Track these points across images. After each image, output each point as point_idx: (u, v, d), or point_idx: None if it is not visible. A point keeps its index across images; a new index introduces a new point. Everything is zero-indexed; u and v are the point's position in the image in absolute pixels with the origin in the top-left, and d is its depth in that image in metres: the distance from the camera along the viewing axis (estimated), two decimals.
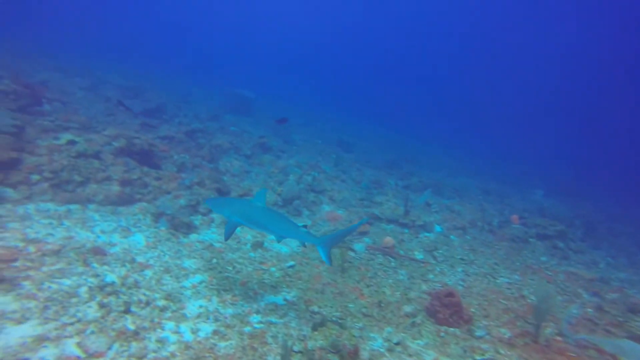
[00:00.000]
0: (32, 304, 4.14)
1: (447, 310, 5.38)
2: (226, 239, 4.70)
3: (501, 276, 7.66)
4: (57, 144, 8.17)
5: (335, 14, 76.12)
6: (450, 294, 5.50)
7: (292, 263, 6.67)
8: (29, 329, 3.81)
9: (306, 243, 4.93)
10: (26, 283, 4.44)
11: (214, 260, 6.26)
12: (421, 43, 74.88)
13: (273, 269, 6.41)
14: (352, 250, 7.66)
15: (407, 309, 5.73)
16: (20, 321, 3.88)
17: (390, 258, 7.59)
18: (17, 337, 3.67)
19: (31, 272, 4.68)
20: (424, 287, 6.65)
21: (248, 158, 12.74)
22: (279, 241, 4.78)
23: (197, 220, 7.73)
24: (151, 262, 5.77)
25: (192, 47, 50.27)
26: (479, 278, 7.42)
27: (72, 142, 8.39)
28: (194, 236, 7.14)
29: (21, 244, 5.35)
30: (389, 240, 8.03)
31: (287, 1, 76.04)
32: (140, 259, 5.77)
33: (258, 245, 7.14)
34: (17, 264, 4.80)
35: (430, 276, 7.20)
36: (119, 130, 9.66)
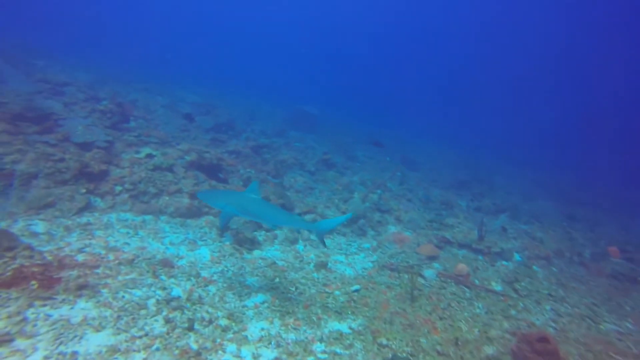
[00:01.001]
0: (108, 312, 4.24)
1: (540, 359, 4.58)
2: (223, 230, 5.07)
3: (605, 321, 6.49)
4: (138, 157, 8.75)
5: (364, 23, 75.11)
6: (543, 339, 4.68)
7: (357, 287, 6.27)
8: (104, 338, 3.87)
9: (301, 229, 5.47)
10: (105, 291, 4.59)
11: (277, 280, 6.09)
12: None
13: (337, 292, 6.05)
14: (422, 276, 7.05)
15: (489, 350, 5.01)
16: (98, 329, 3.96)
17: (464, 288, 6.84)
18: (95, 345, 3.74)
19: (109, 280, 4.84)
20: (506, 325, 5.83)
21: (312, 174, 12.67)
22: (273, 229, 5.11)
23: (261, 236, 7.68)
24: (215, 277, 5.74)
25: (258, 66, 53.02)
26: (575, 320, 6.35)
27: (150, 156, 8.93)
28: (257, 252, 7.06)
29: (103, 252, 5.63)
30: (462, 267, 7.28)
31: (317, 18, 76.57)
32: (205, 273, 5.78)
33: (322, 265, 6.85)
34: (99, 270, 5.02)
35: (512, 312, 6.33)
36: (191, 144, 10.14)
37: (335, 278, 6.57)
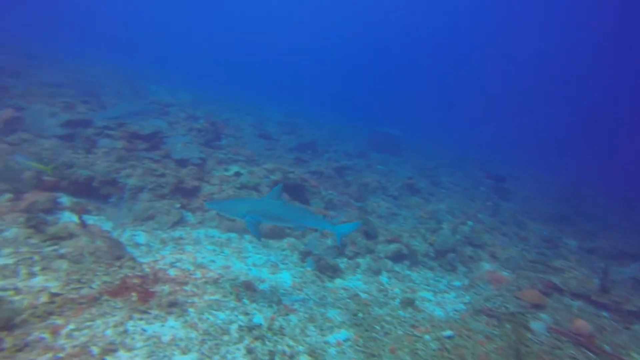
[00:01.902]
0: (193, 334, 4.20)
1: None
2: (258, 238, 4.86)
3: None
4: (227, 174, 9.10)
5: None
6: None
7: (450, 333, 5.53)
8: None
9: (324, 230, 5.27)
10: (192, 310, 4.60)
11: (360, 315, 5.64)
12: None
13: (427, 336, 5.39)
14: (528, 328, 6.00)
15: None
16: (185, 352, 3.91)
17: (587, 352, 5.64)
18: None
19: (196, 299, 4.87)
20: None
21: (395, 199, 12.09)
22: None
23: (343, 263, 7.34)
24: (296, 306, 5.49)
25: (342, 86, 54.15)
26: None
27: (238, 174, 9.23)
28: (339, 281, 6.72)
29: (192, 268, 5.77)
30: (582, 324, 6.05)
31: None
32: (286, 300, 5.57)
33: (408, 303, 6.24)
34: (187, 287, 5.10)
35: None
36: (276, 164, 10.32)
37: (424, 319, 5.91)
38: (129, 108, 10.14)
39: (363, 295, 6.32)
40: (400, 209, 11.44)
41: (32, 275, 4.34)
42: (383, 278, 7.22)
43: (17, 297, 3.93)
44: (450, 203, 12.85)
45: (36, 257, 4.66)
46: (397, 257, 7.95)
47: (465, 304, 6.72)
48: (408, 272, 7.68)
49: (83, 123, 8.85)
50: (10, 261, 4.49)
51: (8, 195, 6.15)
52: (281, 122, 19.83)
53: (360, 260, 7.59)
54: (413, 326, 5.62)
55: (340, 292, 6.30)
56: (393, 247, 8.10)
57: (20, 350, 3.31)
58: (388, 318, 5.72)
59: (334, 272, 6.86)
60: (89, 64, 20.77)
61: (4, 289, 4.00)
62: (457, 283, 7.64)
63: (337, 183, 12.08)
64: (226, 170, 9.19)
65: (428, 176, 16.82)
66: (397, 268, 7.66)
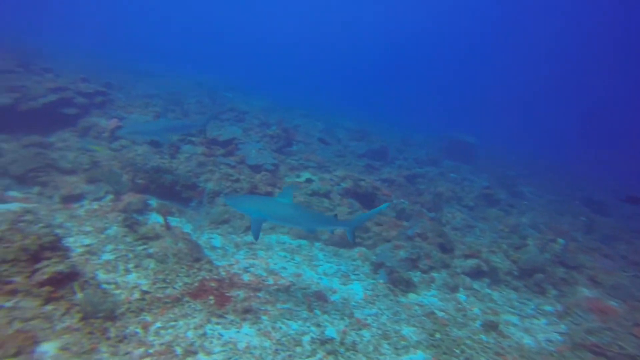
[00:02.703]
0: (267, 343, 4.20)
1: None
2: (256, 238, 4.58)
3: None
4: (298, 181, 9.19)
5: None
6: None
7: None
8: None
9: (337, 229, 5.38)
10: (265, 318, 4.63)
11: (437, 335, 5.23)
12: None
13: None
14: None
15: None
16: None
17: None
18: None
19: (269, 307, 4.90)
20: None
21: (471, 210, 11.28)
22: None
23: (417, 277, 6.93)
24: (369, 320, 5.27)
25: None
26: None
27: (309, 181, 9.28)
28: (412, 296, 6.34)
29: (265, 274, 5.85)
30: None
31: None
32: (358, 314, 5.37)
33: (491, 326, 5.66)
34: (260, 294, 5.16)
35: None
36: (347, 171, 10.19)
37: (510, 347, 5.31)
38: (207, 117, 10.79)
39: (439, 314, 5.88)
40: (477, 221, 10.62)
41: (127, 272, 4.70)
42: (461, 296, 6.68)
43: (117, 291, 4.27)
44: (534, 216, 11.64)
45: (130, 255, 5.06)
46: (476, 274, 7.33)
47: (560, 334, 5.92)
48: (488, 290, 7.02)
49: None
50: (112, 257, 4.92)
51: (110, 196, 6.83)
52: (350, 129, 19.76)
53: (435, 274, 7.12)
54: (498, 354, 5.07)
55: (415, 308, 5.93)
56: (471, 262, 7.48)
57: (120, 341, 3.57)
58: (469, 341, 5.23)
59: (408, 286, 6.50)
60: (175, 76, 22.74)
61: (108, 282, 4.37)
62: (548, 308, 6.80)
63: (409, 192, 11.62)
64: (298, 176, 9.29)
65: (507, 186, 15.48)
66: (476, 286, 7.04)
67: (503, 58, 71.71)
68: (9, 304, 3.43)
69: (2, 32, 19.60)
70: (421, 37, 76.94)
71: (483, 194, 12.33)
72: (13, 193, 6.43)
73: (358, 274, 6.69)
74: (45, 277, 3.66)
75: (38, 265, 3.76)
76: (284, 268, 6.31)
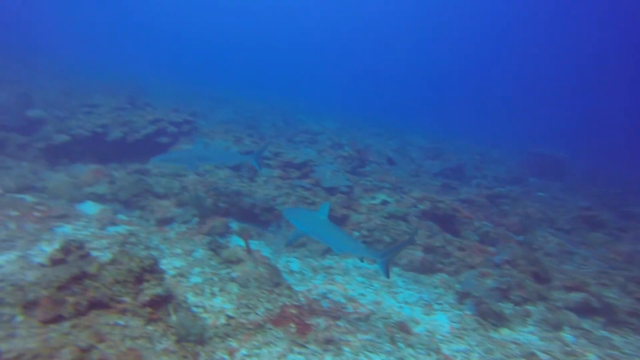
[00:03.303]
0: None
1: None
2: (287, 244, 5.32)
3: None
4: (374, 203, 8.99)
5: None
6: None
7: None
8: None
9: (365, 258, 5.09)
10: (347, 350, 4.47)
11: None
12: None
13: None
14: None
15: None
16: None
17: None
18: None
19: (350, 337, 4.73)
20: None
21: (567, 234, 10.02)
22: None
23: (509, 309, 6.23)
24: (459, 358, 4.81)
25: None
26: None
27: (385, 202, 9.03)
28: (506, 332, 5.70)
29: (343, 300, 5.72)
30: None
31: None
32: (446, 350, 4.95)
33: None
34: (340, 323, 5.03)
35: None
36: (424, 192, 9.74)
37: None
38: (281, 139, 11.17)
39: (543, 356, 5.17)
40: (577, 247, 9.36)
41: (213, 295, 4.91)
42: (567, 336, 5.83)
43: (205, 315, 4.46)
44: None
45: (215, 279, 5.29)
46: (584, 311, 6.37)
47: None
48: (604, 333, 6.03)
49: (247, 154, 10.08)
50: (199, 280, 5.20)
51: (196, 219, 7.31)
52: (423, 147, 19.14)
53: (530, 308, 6.34)
54: None
55: (511, 346, 5.30)
56: (576, 296, 6.54)
57: None
58: None
59: (499, 319, 5.87)
60: (250, 100, 24.22)
61: (197, 306, 4.59)
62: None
63: (491, 213, 10.73)
64: (373, 198, 9.10)
65: (612, 206, 13.55)
66: (585, 325, 6.11)
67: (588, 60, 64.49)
68: (121, 322, 3.74)
69: (115, 73, 22.71)
70: (491, 46, 72.96)
71: (582, 216, 10.91)
72: (121, 216, 7.20)
73: (442, 304, 6.23)
74: (147, 298, 3.93)
75: (141, 287, 4.06)
76: (363, 295, 6.11)
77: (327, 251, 7.52)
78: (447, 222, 8.78)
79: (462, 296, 6.36)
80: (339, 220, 8.19)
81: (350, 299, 5.83)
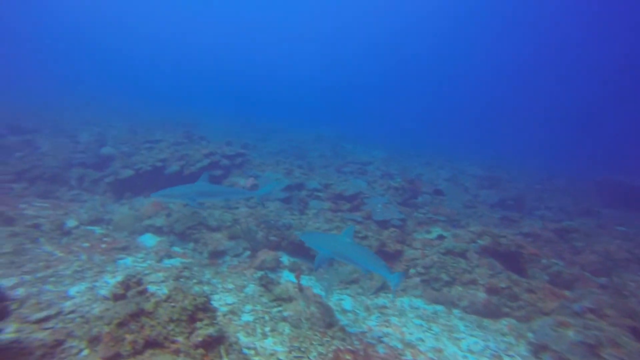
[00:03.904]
0: None
1: None
2: (315, 269, 5.29)
3: None
4: (429, 238, 8.50)
5: None
6: None
7: None
8: None
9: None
10: None
11: None
12: None
13: None
14: None
15: None
16: None
17: None
18: None
19: None
20: None
21: None
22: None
23: None
24: None
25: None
26: None
27: (441, 237, 8.51)
28: None
29: (401, 346, 5.29)
30: None
31: None
32: None
33: None
34: None
35: None
36: (483, 226, 9.07)
37: None
38: (329, 169, 11.11)
39: None
40: None
41: (264, 336, 4.74)
42: None
43: (256, 358, 4.28)
44: None
45: (267, 317, 5.13)
46: None
47: None
48: None
49: (298, 186, 10.10)
50: (250, 318, 5.07)
51: (248, 253, 7.31)
52: (476, 175, 18.18)
53: None
54: None
55: None
56: None
57: None
58: None
59: None
60: (297, 131, 24.79)
61: (248, 347, 4.44)
62: None
63: (561, 249, 9.71)
64: (428, 232, 8.63)
65: None
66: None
67: None
68: None
69: (174, 110, 24.49)
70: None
71: None
72: (176, 248, 7.39)
73: (513, 356, 5.55)
74: (199, 339, 3.85)
75: (194, 326, 4.00)
76: (422, 340, 5.63)
77: (381, 289, 7.14)
78: (511, 259, 8.02)
79: (538, 349, 5.63)
80: (392, 256, 7.81)
81: (409, 345, 5.38)
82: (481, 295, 6.85)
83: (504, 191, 14.88)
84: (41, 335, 4.13)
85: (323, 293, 6.50)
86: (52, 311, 4.64)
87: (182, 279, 5.93)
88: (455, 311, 6.72)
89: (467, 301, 6.79)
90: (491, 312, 6.63)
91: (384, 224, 8.64)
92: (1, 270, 5.68)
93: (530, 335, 5.99)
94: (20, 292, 5.10)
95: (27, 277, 5.53)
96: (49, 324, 4.40)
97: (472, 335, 5.99)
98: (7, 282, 5.32)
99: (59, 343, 3.97)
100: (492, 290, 6.92)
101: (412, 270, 7.56)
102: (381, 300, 6.83)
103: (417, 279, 7.41)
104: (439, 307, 6.78)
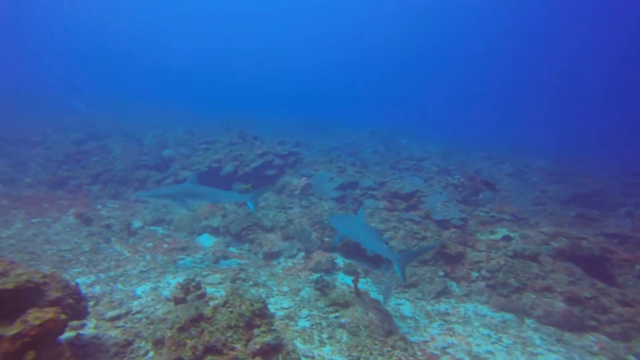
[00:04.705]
0: None
1: None
2: (332, 247, 6.06)
3: None
4: (494, 239, 7.85)
5: None
6: None
7: None
8: None
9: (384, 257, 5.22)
10: None
11: None
12: None
13: None
14: None
15: None
16: None
17: None
18: None
19: None
20: None
21: None
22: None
23: None
24: None
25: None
26: None
27: (507, 238, 7.82)
28: None
29: (467, 359, 4.87)
30: None
31: None
32: None
33: None
34: None
35: None
36: (556, 226, 8.19)
37: None
38: (384, 166, 10.65)
39: None
40: None
41: (322, 343, 4.59)
42: None
43: None
44: None
45: (324, 323, 4.98)
46: None
47: None
48: None
49: (352, 185, 9.86)
50: (307, 324, 4.95)
51: (302, 254, 7.23)
52: (543, 168, 16.64)
53: None
54: None
55: None
56: None
57: None
58: None
59: None
60: (349, 128, 24.47)
61: (306, 356, 4.33)
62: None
63: None
64: (492, 232, 7.97)
65: None
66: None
67: None
68: None
69: (229, 111, 25.39)
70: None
71: None
72: (232, 249, 7.53)
73: None
74: (257, 347, 3.79)
75: (251, 332, 3.95)
76: (491, 353, 5.14)
77: (442, 293, 6.71)
78: (595, 265, 7.13)
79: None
80: (453, 259, 7.31)
81: (477, 358, 4.94)
82: (559, 304, 6.14)
83: (578, 186, 13.43)
84: (114, 333, 4.34)
85: (381, 298, 6.22)
86: (122, 310, 4.88)
87: (238, 281, 5.98)
88: (529, 321, 6.10)
89: (542, 310, 6.13)
90: (573, 325, 5.92)
91: (443, 224, 8.12)
92: (81, 268, 6.13)
93: (632, 358, 5.23)
94: (97, 289, 5.44)
95: (102, 276, 5.90)
96: (120, 323, 4.62)
97: (551, 351, 5.37)
98: (86, 280, 5.73)
99: (128, 343, 4.14)
100: (572, 300, 6.18)
101: (475, 274, 7.02)
102: (442, 305, 6.41)
103: (481, 284, 6.86)
104: (508, 316, 6.20)
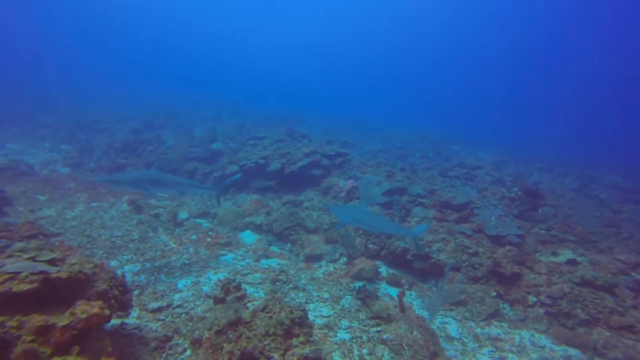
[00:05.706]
0: None
1: None
2: (337, 228, 5.70)
3: None
4: (556, 261, 7.11)
5: None
6: None
7: None
8: None
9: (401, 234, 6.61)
10: None
11: None
12: None
13: None
14: None
15: None
16: None
17: None
18: None
19: None
20: None
21: None
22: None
23: None
24: None
25: None
26: None
27: (572, 262, 7.05)
28: None
29: None
30: None
31: None
32: None
33: None
34: None
35: None
36: (638, 254, 7.26)
37: None
38: (432, 172, 10.03)
39: None
40: None
41: (361, 359, 4.32)
42: None
43: None
44: None
45: (365, 337, 4.71)
46: None
47: None
48: None
49: (400, 191, 9.44)
50: (347, 336, 4.71)
51: (344, 259, 6.99)
52: (615, 185, 15.05)
53: None
54: None
55: None
56: None
57: None
58: None
59: None
60: (398, 130, 23.77)
61: None
62: None
63: None
64: (554, 254, 7.23)
65: None
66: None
67: None
68: None
69: (279, 107, 25.70)
70: None
71: None
72: (273, 248, 7.46)
73: None
74: (295, 358, 3.61)
75: (290, 342, 3.78)
76: None
77: (494, 315, 6.16)
78: None
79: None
80: (507, 280, 6.70)
81: None
82: None
83: None
84: (155, 326, 4.37)
85: (426, 314, 5.82)
86: (164, 302, 4.92)
87: (278, 283, 5.86)
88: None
89: (621, 353, 5.39)
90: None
91: (498, 240, 7.49)
92: (130, 255, 6.33)
93: None
94: (143, 278, 5.57)
95: (148, 265, 6.04)
96: (162, 316, 4.65)
97: None
98: (133, 268, 5.89)
99: (168, 338, 4.13)
100: None
101: (533, 299, 6.37)
102: (494, 329, 5.87)
103: (540, 310, 6.22)
104: (574, 352, 5.54)
